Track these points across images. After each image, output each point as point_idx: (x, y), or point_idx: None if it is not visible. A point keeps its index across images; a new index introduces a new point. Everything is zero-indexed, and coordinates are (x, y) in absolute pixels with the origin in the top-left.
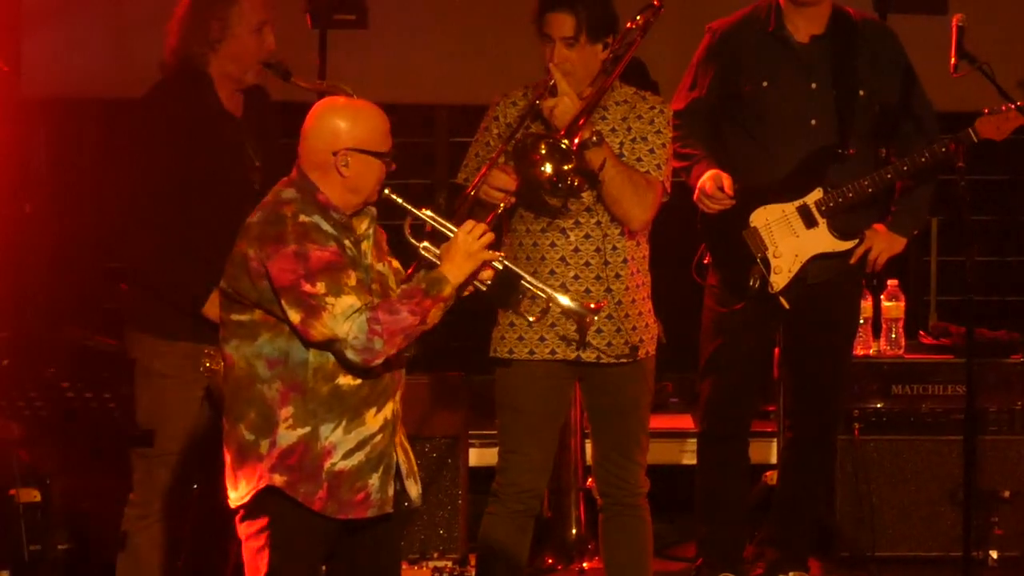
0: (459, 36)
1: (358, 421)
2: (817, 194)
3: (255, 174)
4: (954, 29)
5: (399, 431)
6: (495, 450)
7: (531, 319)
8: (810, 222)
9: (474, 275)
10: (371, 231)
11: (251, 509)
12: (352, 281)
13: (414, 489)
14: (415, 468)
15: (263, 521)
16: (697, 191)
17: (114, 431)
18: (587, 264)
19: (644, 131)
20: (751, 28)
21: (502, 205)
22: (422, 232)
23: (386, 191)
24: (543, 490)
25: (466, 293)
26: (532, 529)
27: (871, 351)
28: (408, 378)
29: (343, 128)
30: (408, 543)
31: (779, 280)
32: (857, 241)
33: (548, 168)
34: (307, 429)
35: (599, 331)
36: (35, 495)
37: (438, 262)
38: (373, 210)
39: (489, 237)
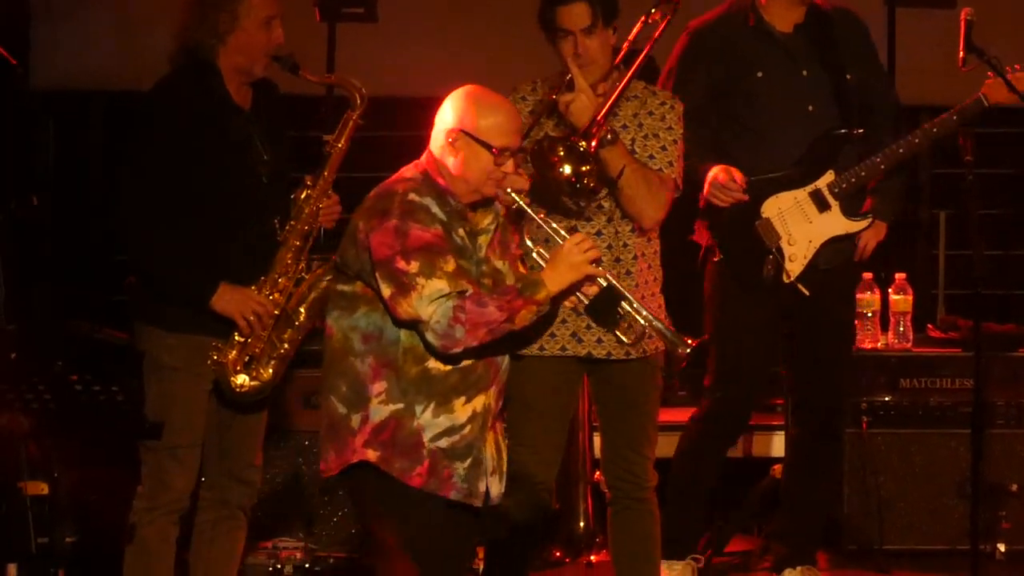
0: (468, 30)
1: (446, 408)
2: (829, 177)
3: (263, 167)
4: (963, 23)
5: (495, 428)
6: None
7: (627, 341)
8: (823, 206)
9: (576, 287)
10: (493, 227)
11: (341, 481)
12: (449, 267)
13: (495, 487)
14: (503, 468)
15: (374, 501)
16: (708, 185)
17: (122, 424)
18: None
19: (656, 128)
20: (732, 25)
21: (515, 207)
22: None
23: (508, 190)
24: (552, 483)
25: (568, 305)
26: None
27: (879, 344)
28: None
29: (461, 111)
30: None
31: (795, 268)
32: (870, 221)
33: (567, 170)
34: (400, 406)
35: None
36: (43, 488)
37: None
38: (500, 208)
39: (595, 253)
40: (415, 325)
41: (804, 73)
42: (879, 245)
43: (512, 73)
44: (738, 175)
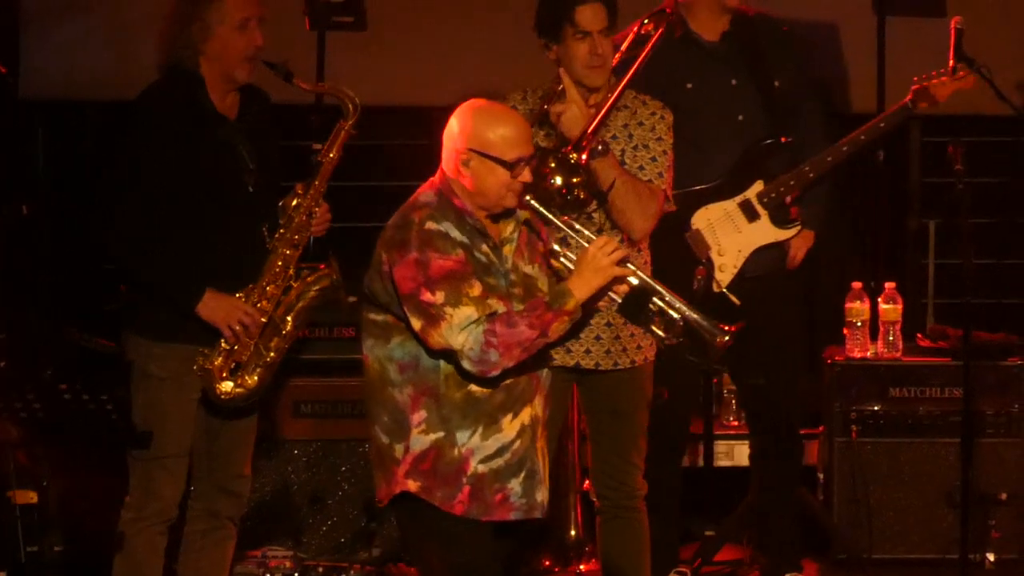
0: (457, 38)
1: (495, 428)
2: (758, 187)
3: (249, 175)
4: (952, 31)
5: (540, 436)
6: None
7: (663, 336)
8: (752, 216)
9: (606, 290)
10: (516, 234)
11: (392, 511)
12: (475, 291)
13: (540, 494)
14: (546, 475)
15: (413, 533)
16: None
17: (112, 433)
18: None
19: (646, 138)
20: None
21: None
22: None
23: (527, 198)
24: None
25: (601, 305)
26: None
27: (868, 353)
28: None
29: (469, 128)
30: (404, 545)
31: (724, 278)
32: (798, 229)
33: (557, 181)
34: (440, 434)
35: (598, 338)
36: (32, 497)
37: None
38: (521, 213)
39: (621, 253)
40: (448, 354)
41: (733, 82)
42: (868, 254)
43: (502, 82)
44: None
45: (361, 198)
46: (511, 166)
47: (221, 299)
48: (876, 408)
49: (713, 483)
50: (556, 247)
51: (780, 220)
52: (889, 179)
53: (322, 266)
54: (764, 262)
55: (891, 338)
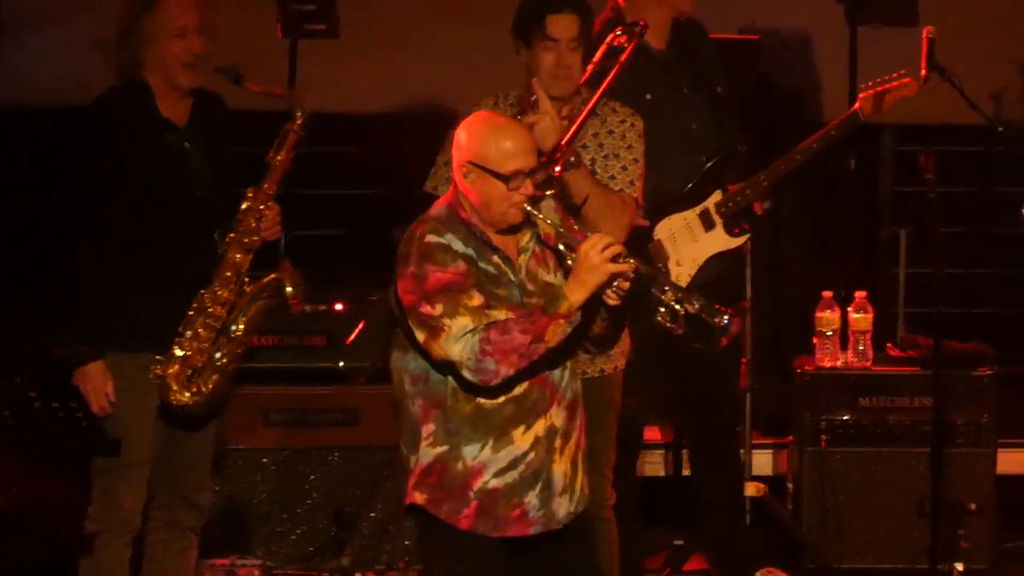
0: (428, 46)
1: (505, 440)
2: (716, 196)
3: (198, 181)
4: (924, 41)
5: (570, 447)
6: None
7: (674, 332)
8: (709, 225)
9: (605, 287)
10: (532, 243)
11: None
12: (473, 302)
13: (562, 508)
14: (577, 486)
15: (426, 545)
16: None
17: (81, 441)
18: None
19: (616, 147)
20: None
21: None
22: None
23: (527, 207)
24: None
25: (611, 302)
26: None
27: (839, 363)
28: (377, 388)
29: (468, 141)
30: (374, 553)
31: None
32: (747, 237)
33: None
34: (444, 448)
35: None
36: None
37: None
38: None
39: (614, 249)
40: (448, 366)
41: (684, 91)
42: (835, 264)
43: (473, 89)
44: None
45: (331, 204)
46: (507, 179)
47: (99, 377)
48: (846, 418)
49: (681, 492)
50: (562, 248)
51: (733, 229)
52: (860, 188)
53: (275, 275)
54: (711, 268)
55: (861, 347)
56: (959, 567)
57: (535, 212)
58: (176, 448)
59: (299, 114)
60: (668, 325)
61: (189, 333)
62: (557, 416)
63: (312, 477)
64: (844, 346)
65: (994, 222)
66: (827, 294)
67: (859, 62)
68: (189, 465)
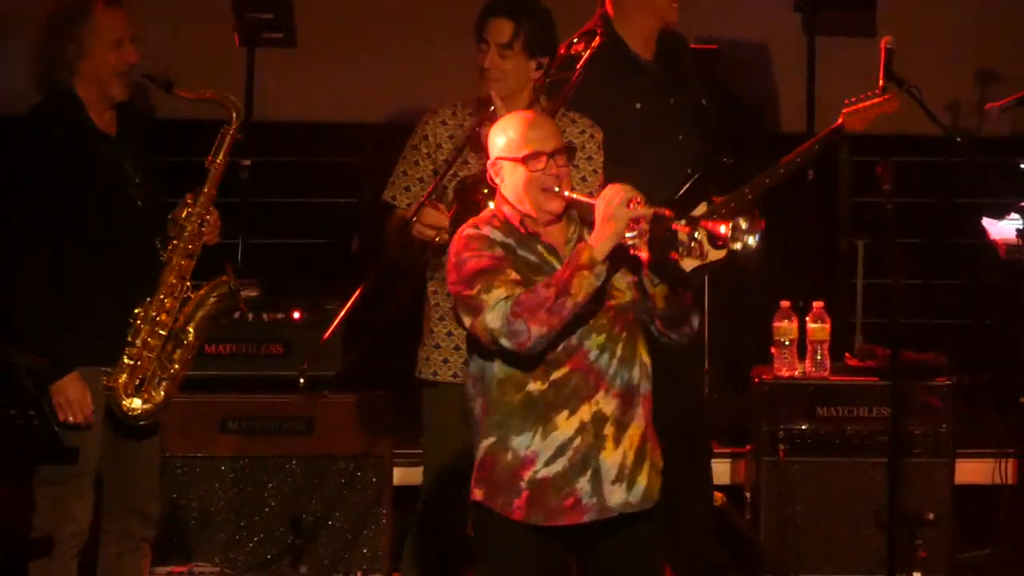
0: (385, 55)
1: (550, 427)
2: (702, 208)
3: (136, 190)
4: (883, 52)
5: (628, 437)
6: (420, 469)
7: (711, 266)
8: None
9: (626, 235)
10: (576, 235)
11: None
12: (509, 278)
13: (615, 496)
14: (638, 478)
15: (477, 537)
16: None
17: (38, 448)
18: None
19: (575, 158)
20: (603, 57)
21: (437, 240)
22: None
23: (557, 189)
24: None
25: (641, 255)
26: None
27: (796, 373)
28: (334, 396)
29: (491, 142)
30: (331, 561)
31: None
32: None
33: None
34: (492, 439)
35: None
36: None
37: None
38: (575, 214)
39: (631, 194)
40: (494, 341)
41: (672, 102)
42: (797, 273)
43: (429, 98)
44: None
45: (291, 214)
46: (524, 160)
47: (76, 388)
48: (804, 427)
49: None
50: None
51: (717, 241)
52: (818, 198)
53: (223, 278)
54: (695, 279)
55: (819, 357)
56: None
57: (570, 195)
58: (124, 463)
59: (234, 116)
60: (700, 261)
61: (138, 342)
62: (606, 404)
63: (270, 485)
64: (802, 356)
65: (952, 233)
66: (785, 304)
67: (817, 72)
68: (138, 476)
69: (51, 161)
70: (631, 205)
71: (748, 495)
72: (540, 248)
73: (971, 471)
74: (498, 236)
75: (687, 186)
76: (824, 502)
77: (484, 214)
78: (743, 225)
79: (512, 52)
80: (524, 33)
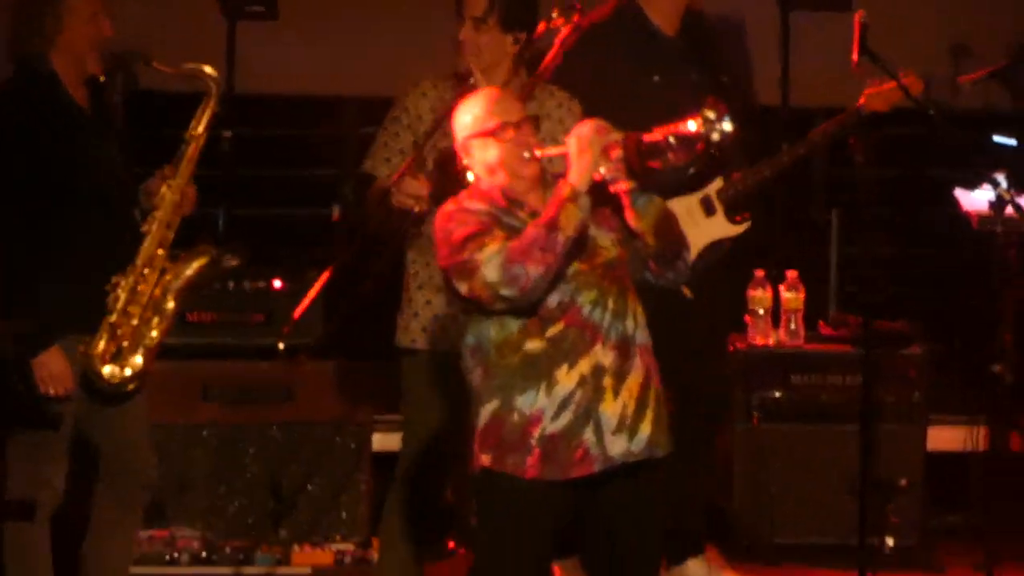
0: (367, 28)
1: (552, 382)
2: (718, 183)
3: (113, 163)
4: (856, 26)
5: (627, 388)
6: (399, 436)
7: (692, 167)
8: (710, 210)
9: (602, 164)
10: None
11: (475, 496)
12: (497, 235)
13: (616, 445)
14: (641, 427)
15: (482, 503)
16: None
17: (21, 413)
18: None
19: (554, 131)
20: (626, 27)
21: (416, 209)
22: None
23: (528, 155)
24: (445, 476)
25: (625, 187)
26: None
27: (771, 341)
28: (315, 364)
29: (456, 126)
30: (311, 526)
31: None
32: (748, 225)
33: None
34: (496, 403)
35: None
36: None
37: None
38: (551, 179)
39: (601, 123)
40: (494, 296)
41: (692, 77)
42: (771, 242)
43: (411, 71)
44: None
45: (274, 186)
46: (493, 132)
47: (59, 361)
48: (777, 395)
49: None
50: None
51: (733, 216)
52: (793, 170)
53: (200, 247)
54: (708, 255)
55: (793, 326)
56: (889, 542)
57: (542, 152)
58: (117, 428)
59: (214, 89)
60: (675, 162)
61: (116, 311)
62: (604, 356)
63: (251, 451)
64: (776, 324)
65: (924, 204)
66: (759, 273)
67: (791, 47)
68: (136, 442)
69: (30, 134)
70: (600, 133)
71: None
72: (522, 214)
73: (943, 438)
74: (480, 207)
75: (702, 159)
76: (798, 469)
77: (461, 193)
78: (711, 115)
79: (487, 26)
80: (499, 7)
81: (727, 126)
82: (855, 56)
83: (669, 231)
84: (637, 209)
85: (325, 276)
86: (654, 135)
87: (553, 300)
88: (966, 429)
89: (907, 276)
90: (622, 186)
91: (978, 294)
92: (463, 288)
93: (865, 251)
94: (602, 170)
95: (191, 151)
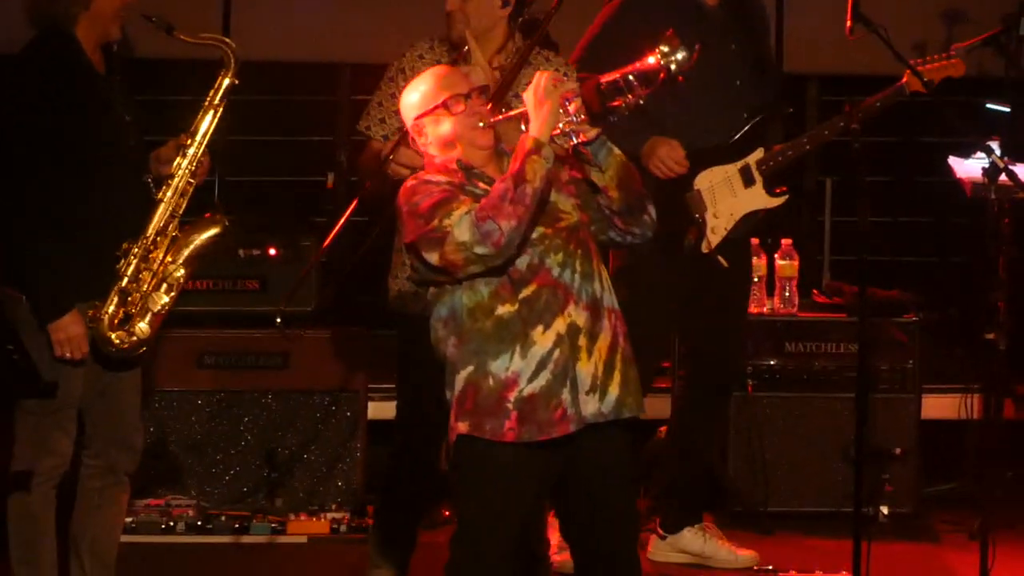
0: None
1: (528, 343)
2: (758, 154)
3: (129, 130)
4: None
5: (599, 349)
6: (394, 403)
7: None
8: (749, 181)
9: (563, 115)
10: None
11: (451, 465)
12: (464, 201)
13: (589, 406)
14: (610, 389)
15: (460, 471)
16: (652, 158)
17: (18, 383)
18: None
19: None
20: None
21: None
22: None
23: (482, 124)
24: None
25: (590, 135)
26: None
27: (765, 309)
28: (311, 332)
29: (404, 107)
30: (306, 494)
31: (715, 239)
32: (786, 198)
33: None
34: (470, 368)
35: None
36: None
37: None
38: (507, 149)
39: (556, 76)
40: (468, 257)
41: (733, 47)
42: (766, 211)
43: (404, 37)
44: (681, 151)
45: (267, 151)
46: (444, 105)
47: (77, 324)
48: (772, 363)
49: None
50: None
51: (772, 188)
52: (786, 137)
53: (207, 215)
54: (742, 226)
55: (787, 294)
56: (884, 510)
57: (497, 117)
58: (108, 394)
59: (232, 61)
60: (632, 100)
61: (126, 277)
62: (577, 315)
63: (246, 419)
64: (770, 292)
65: (918, 172)
66: (754, 241)
67: (786, 13)
68: (121, 411)
69: (49, 98)
70: (556, 83)
71: None
72: (482, 185)
73: (937, 406)
74: (440, 178)
75: (743, 131)
76: (792, 437)
77: (419, 172)
78: (665, 48)
79: None
80: None
81: (681, 55)
82: (848, 22)
83: (632, 183)
84: (600, 163)
85: (326, 242)
86: (611, 75)
87: (522, 262)
88: (960, 397)
89: (901, 244)
90: (585, 135)
91: (972, 262)
92: (433, 258)
93: (859, 219)
94: (562, 124)
95: (208, 120)
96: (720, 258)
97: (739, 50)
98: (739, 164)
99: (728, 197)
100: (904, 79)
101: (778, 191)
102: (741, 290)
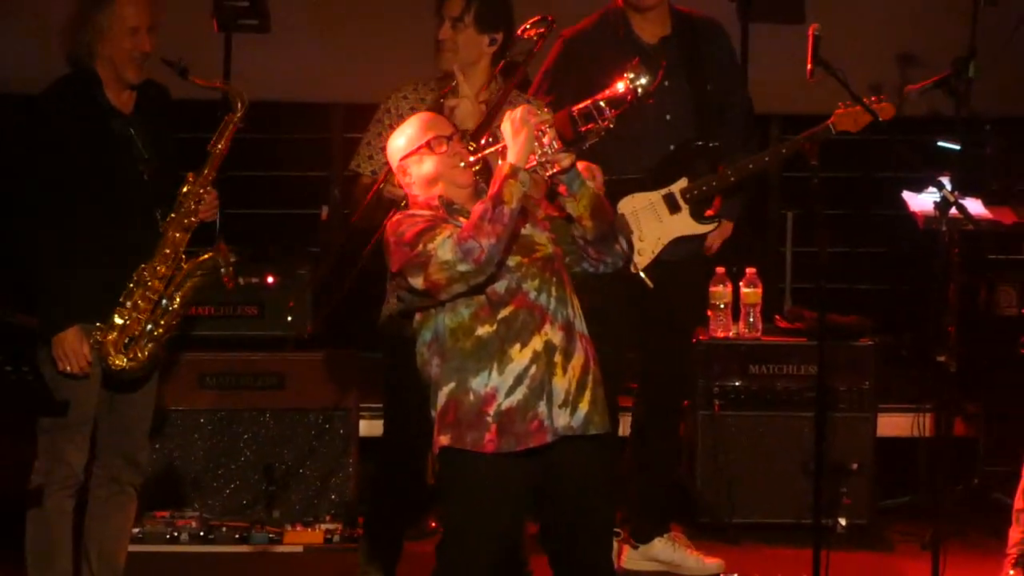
0: (352, 41)
1: (506, 360)
2: (683, 183)
3: (144, 165)
4: (811, 37)
5: (573, 367)
6: (383, 421)
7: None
8: (674, 208)
9: (533, 144)
10: None
11: (436, 476)
12: (447, 228)
13: (560, 419)
14: (580, 405)
15: (444, 481)
16: None
17: (31, 402)
18: None
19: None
20: (603, 35)
21: (403, 203)
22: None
23: (463, 164)
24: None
25: (566, 164)
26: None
27: (731, 333)
28: (304, 354)
29: (391, 151)
30: (302, 507)
31: (642, 260)
32: (715, 225)
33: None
34: (452, 385)
35: None
36: None
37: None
38: (486, 188)
39: (531, 108)
40: (452, 276)
41: (666, 83)
42: (731, 241)
43: (393, 79)
44: (599, 174)
45: (263, 186)
46: (428, 145)
47: (77, 340)
48: (737, 384)
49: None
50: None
51: (700, 215)
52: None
53: (210, 253)
54: (680, 250)
55: (751, 319)
56: (841, 522)
57: (478, 155)
58: (117, 411)
59: (239, 105)
60: (605, 124)
61: (129, 304)
62: (553, 335)
63: (245, 436)
64: (736, 318)
65: (874, 205)
66: (720, 270)
67: (750, 57)
68: (129, 426)
69: (61, 132)
70: (531, 114)
71: (686, 446)
72: (463, 218)
73: (892, 424)
74: (425, 213)
75: (659, 163)
76: (756, 453)
77: (404, 210)
78: (631, 75)
79: (463, 25)
80: (475, 7)
81: (646, 80)
82: (809, 65)
83: (604, 214)
84: (573, 193)
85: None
86: (583, 103)
87: (501, 286)
88: (913, 416)
89: (858, 272)
90: (559, 164)
91: (924, 289)
92: (418, 282)
93: (818, 249)
94: (538, 155)
95: (213, 161)
96: (645, 278)
97: (673, 87)
98: (663, 192)
99: (653, 222)
100: (832, 119)
101: (708, 215)
102: (692, 312)
